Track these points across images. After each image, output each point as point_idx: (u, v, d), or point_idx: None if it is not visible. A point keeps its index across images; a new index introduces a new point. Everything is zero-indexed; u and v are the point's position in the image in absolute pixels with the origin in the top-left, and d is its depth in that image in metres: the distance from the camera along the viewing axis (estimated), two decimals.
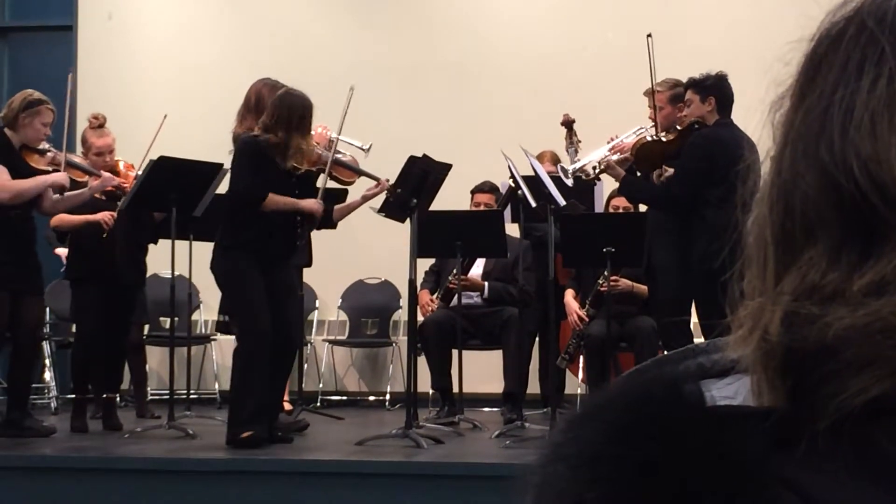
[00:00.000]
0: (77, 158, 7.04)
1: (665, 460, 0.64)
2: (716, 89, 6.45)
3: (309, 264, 7.37)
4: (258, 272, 6.10)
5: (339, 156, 6.65)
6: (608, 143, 6.95)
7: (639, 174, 6.79)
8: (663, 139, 6.64)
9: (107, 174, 6.91)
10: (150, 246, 7.29)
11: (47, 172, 6.65)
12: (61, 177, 6.59)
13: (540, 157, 7.46)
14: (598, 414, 0.68)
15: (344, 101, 6.60)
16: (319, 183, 6.50)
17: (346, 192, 7.46)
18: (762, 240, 0.67)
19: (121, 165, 7.16)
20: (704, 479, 0.63)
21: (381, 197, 6.58)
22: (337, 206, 6.65)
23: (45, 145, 6.70)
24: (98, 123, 7.19)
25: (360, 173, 6.82)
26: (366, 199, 6.67)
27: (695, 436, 0.65)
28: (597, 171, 6.82)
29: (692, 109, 6.53)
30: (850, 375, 0.62)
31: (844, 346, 0.62)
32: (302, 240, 6.47)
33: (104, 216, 6.92)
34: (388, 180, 6.62)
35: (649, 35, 6.60)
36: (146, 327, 8.37)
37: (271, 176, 6.14)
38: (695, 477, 0.63)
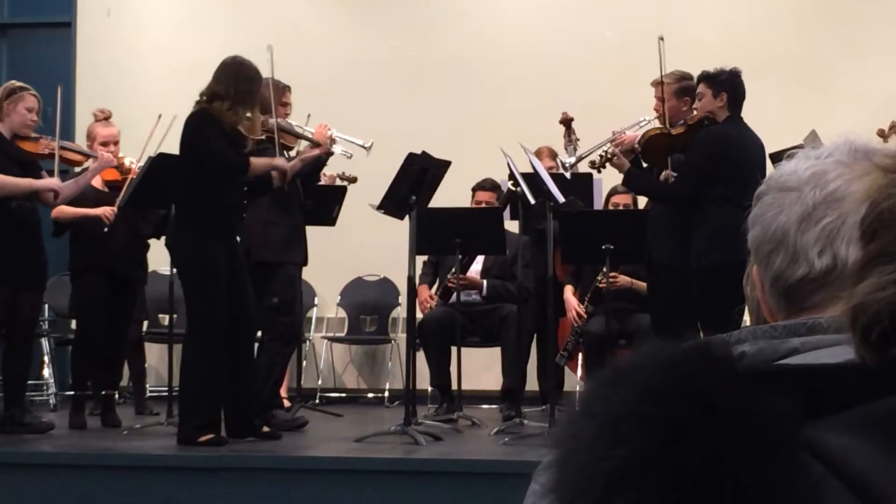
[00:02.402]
0: (71, 144, 7.01)
1: (694, 422, 0.64)
2: (729, 85, 6.35)
3: (305, 262, 7.27)
4: (226, 259, 6.01)
5: (279, 121, 6.61)
6: (612, 136, 6.86)
7: (644, 165, 6.74)
8: (672, 132, 6.57)
9: (105, 154, 6.88)
10: (150, 242, 7.27)
11: (44, 157, 6.66)
12: (53, 182, 6.55)
13: (537, 154, 7.44)
14: (630, 374, 0.69)
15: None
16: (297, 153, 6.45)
17: (345, 189, 7.45)
18: None
19: (126, 161, 7.12)
20: (732, 443, 0.63)
21: (381, 195, 6.56)
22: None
23: (34, 134, 6.70)
24: (104, 116, 7.19)
25: (301, 137, 6.87)
26: (303, 160, 6.66)
27: (725, 399, 0.65)
28: (603, 159, 6.73)
29: (703, 103, 6.42)
30: None
31: None
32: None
33: (105, 210, 6.87)
34: (325, 143, 6.71)
35: (661, 38, 6.51)
36: (145, 324, 8.37)
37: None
38: (723, 440, 0.63)
